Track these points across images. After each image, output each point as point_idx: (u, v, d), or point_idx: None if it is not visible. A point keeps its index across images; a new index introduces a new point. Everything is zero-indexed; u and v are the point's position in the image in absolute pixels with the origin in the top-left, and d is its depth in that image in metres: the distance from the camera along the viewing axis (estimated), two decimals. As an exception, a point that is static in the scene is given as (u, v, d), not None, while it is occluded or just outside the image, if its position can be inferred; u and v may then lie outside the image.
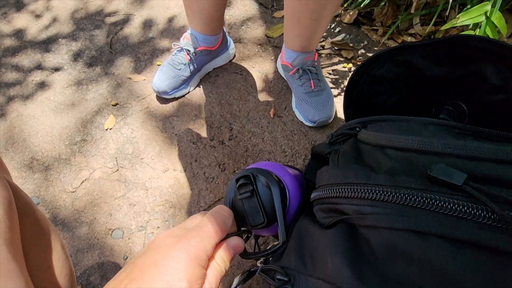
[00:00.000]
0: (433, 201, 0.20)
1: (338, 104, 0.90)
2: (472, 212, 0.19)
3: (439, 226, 0.19)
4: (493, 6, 0.63)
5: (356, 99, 0.46)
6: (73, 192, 0.85)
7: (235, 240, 0.28)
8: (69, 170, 0.88)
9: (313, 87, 0.84)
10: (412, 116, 0.48)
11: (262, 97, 0.95)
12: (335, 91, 0.93)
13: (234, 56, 1.04)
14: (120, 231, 0.77)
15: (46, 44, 1.18)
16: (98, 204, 0.82)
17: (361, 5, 0.93)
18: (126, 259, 0.74)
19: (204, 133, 0.90)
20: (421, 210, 0.21)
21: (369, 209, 0.22)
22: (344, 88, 0.54)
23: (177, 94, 0.96)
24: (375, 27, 1.01)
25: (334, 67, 0.99)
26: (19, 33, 1.23)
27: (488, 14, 0.64)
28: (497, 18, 0.63)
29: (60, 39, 1.18)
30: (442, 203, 0.20)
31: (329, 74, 0.98)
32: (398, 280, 0.20)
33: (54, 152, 0.92)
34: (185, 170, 0.85)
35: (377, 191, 0.22)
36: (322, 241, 0.24)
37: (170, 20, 1.18)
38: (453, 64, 0.39)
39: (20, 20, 1.28)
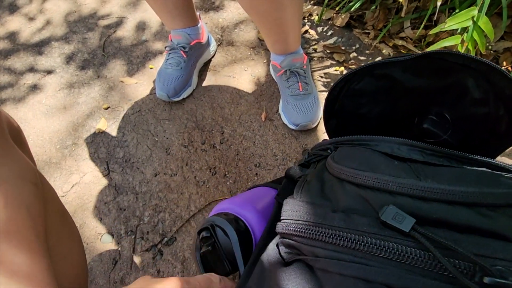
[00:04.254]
0: (381, 247, 0.21)
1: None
2: (419, 259, 0.19)
3: (386, 276, 0.20)
4: (480, 11, 0.63)
5: (338, 111, 0.46)
6: (63, 196, 0.84)
7: None
8: (60, 174, 0.88)
9: (300, 89, 0.84)
10: (395, 125, 0.48)
11: (254, 100, 0.95)
12: (326, 94, 0.93)
13: (217, 46, 1.07)
14: (109, 236, 0.77)
15: (39, 47, 1.17)
16: (88, 208, 0.82)
17: (352, 9, 0.93)
18: (115, 264, 0.74)
19: (195, 137, 0.90)
20: (371, 256, 0.21)
21: (322, 252, 0.23)
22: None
23: (185, 94, 0.96)
24: (366, 31, 1.01)
25: (326, 70, 0.99)
26: (12, 36, 1.23)
27: (475, 19, 0.64)
28: (484, 23, 0.63)
29: (52, 42, 1.18)
30: (391, 249, 0.20)
31: (321, 77, 0.98)
32: None
33: (45, 156, 0.91)
34: (175, 174, 0.85)
35: (330, 234, 0.23)
36: (278, 280, 0.24)
37: (163, 23, 1.18)
38: (435, 76, 0.39)
39: (13, 22, 1.28)
